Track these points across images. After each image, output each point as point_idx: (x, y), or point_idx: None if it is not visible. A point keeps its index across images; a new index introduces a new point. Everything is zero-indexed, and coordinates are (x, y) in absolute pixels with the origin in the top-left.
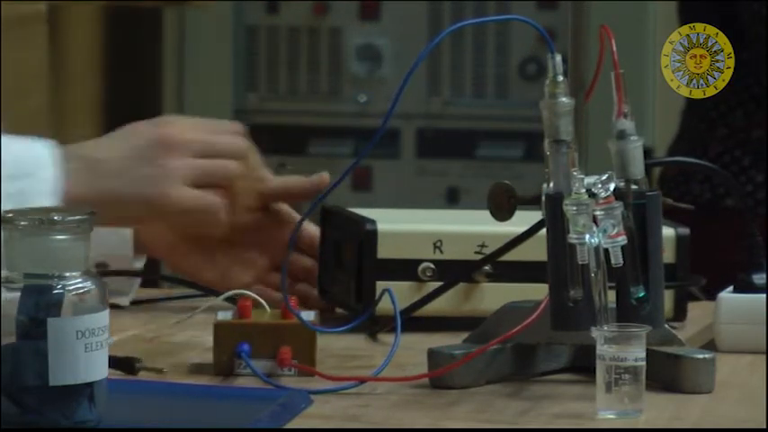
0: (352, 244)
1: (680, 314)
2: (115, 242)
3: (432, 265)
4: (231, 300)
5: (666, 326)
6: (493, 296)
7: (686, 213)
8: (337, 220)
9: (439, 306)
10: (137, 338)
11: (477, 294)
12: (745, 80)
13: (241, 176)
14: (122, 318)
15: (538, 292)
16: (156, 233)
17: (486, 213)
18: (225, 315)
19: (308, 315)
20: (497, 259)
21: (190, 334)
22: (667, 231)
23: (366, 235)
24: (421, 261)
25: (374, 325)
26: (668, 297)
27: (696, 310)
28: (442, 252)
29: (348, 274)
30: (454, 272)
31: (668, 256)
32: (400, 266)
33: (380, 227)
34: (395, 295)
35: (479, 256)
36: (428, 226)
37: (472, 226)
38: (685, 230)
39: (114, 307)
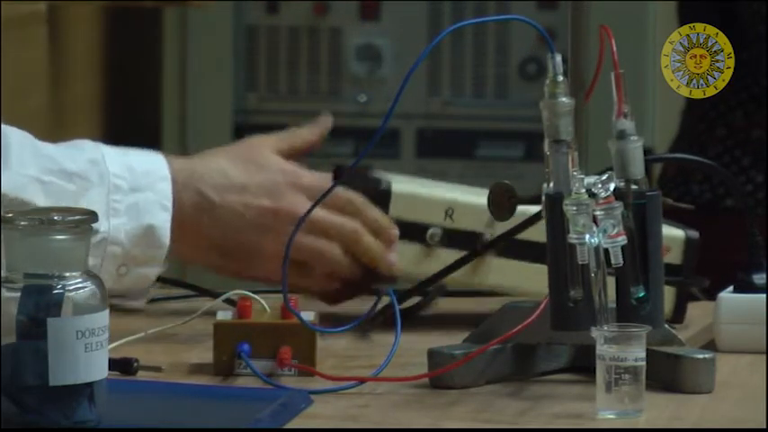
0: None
1: (679, 316)
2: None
3: (440, 232)
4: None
5: (666, 326)
6: (500, 271)
7: (686, 213)
8: (352, 178)
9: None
10: (137, 338)
11: (485, 268)
12: (744, 80)
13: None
14: (123, 318)
15: (544, 271)
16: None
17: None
18: (225, 315)
19: (308, 315)
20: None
21: (190, 334)
22: (677, 233)
23: (380, 193)
24: (430, 226)
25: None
26: (669, 298)
27: (696, 310)
28: (452, 220)
29: None
30: (461, 241)
31: (675, 257)
32: (409, 228)
33: (395, 186)
34: (395, 296)
35: (489, 230)
36: (442, 192)
37: (485, 198)
38: (695, 233)
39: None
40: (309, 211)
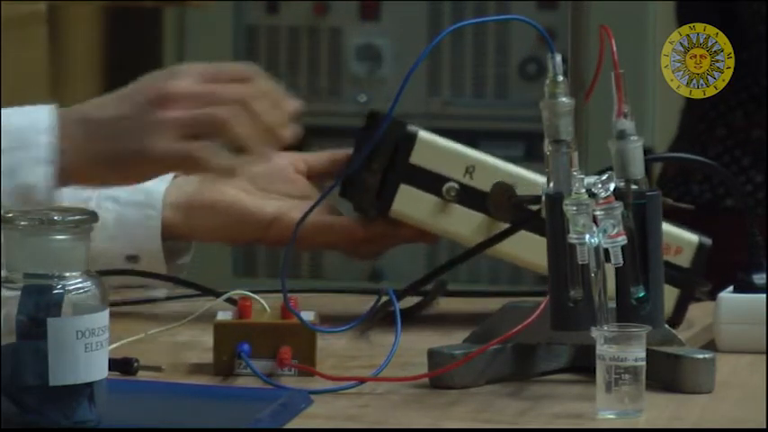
0: (388, 145)
1: (678, 317)
2: (143, 235)
3: (457, 187)
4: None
5: (666, 326)
6: (515, 240)
7: (686, 213)
8: (379, 119)
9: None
10: (137, 339)
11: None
12: (744, 80)
13: (243, 118)
14: (123, 318)
15: None
16: (199, 221)
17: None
18: (225, 315)
19: (308, 315)
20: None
21: (190, 334)
22: (691, 237)
23: (406, 135)
24: (449, 180)
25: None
26: (670, 298)
27: (696, 310)
28: (471, 178)
29: (375, 173)
30: (477, 201)
31: (684, 259)
32: (428, 178)
33: (421, 133)
34: (394, 296)
35: (519, 202)
36: (466, 149)
37: (509, 164)
38: (708, 240)
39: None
40: (310, 210)
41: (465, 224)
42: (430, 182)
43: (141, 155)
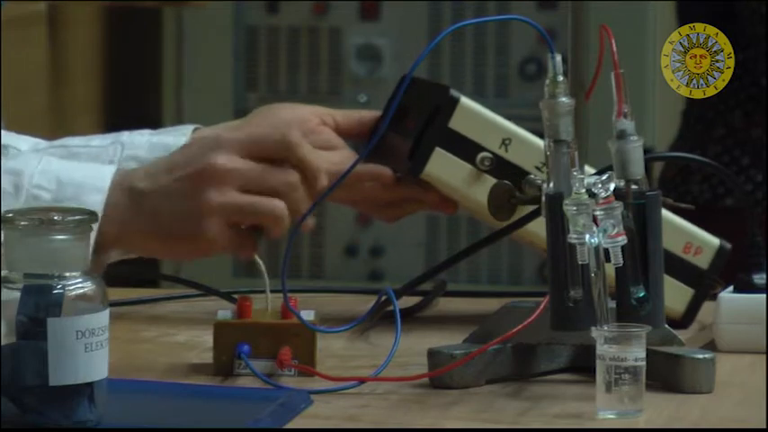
0: (427, 107)
1: (687, 320)
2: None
3: (492, 157)
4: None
5: (666, 326)
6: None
7: (686, 213)
8: (418, 86)
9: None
10: (136, 338)
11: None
12: (743, 80)
13: (292, 210)
14: (122, 318)
15: None
16: None
17: None
18: (225, 314)
19: (308, 315)
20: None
21: (190, 334)
22: (712, 240)
23: (448, 99)
24: (484, 149)
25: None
26: (683, 299)
27: None
28: (507, 150)
29: (409, 134)
30: (509, 174)
31: (703, 261)
32: (464, 145)
33: (464, 100)
34: (394, 295)
35: (537, 171)
36: (505, 121)
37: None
38: (728, 245)
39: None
40: (310, 210)
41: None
42: (465, 149)
43: (191, 235)
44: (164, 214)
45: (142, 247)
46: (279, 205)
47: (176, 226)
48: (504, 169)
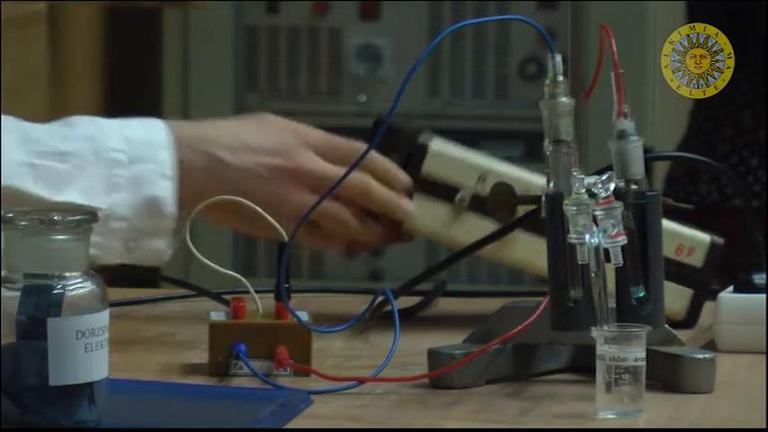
0: (400, 154)
1: (691, 321)
2: None
3: (470, 196)
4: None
5: (666, 326)
6: (525, 248)
7: (693, 213)
8: (390, 130)
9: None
10: (136, 338)
11: (510, 242)
12: (752, 80)
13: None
14: (122, 318)
15: None
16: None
17: (539, 167)
18: (218, 315)
19: (302, 315)
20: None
21: (190, 334)
22: (702, 237)
23: (417, 147)
24: (462, 189)
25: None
26: (685, 298)
27: None
28: (484, 187)
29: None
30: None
31: (697, 259)
32: (440, 188)
33: (433, 143)
34: (392, 295)
35: (519, 203)
36: (479, 158)
37: (521, 172)
38: (720, 240)
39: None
40: (311, 209)
41: (478, 233)
42: (443, 192)
43: (270, 227)
44: (245, 190)
45: (218, 214)
46: (345, 214)
47: (257, 208)
48: (484, 205)
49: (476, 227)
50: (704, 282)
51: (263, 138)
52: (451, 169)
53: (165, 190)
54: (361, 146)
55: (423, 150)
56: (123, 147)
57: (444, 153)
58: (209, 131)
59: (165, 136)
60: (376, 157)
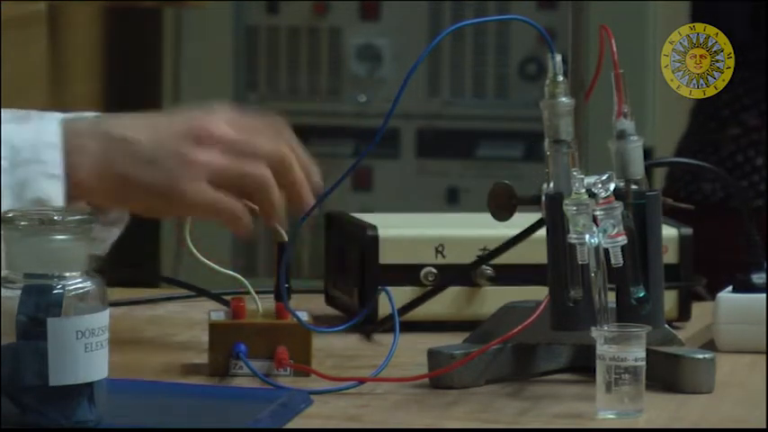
0: (354, 250)
1: (684, 314)
2: None
3: (434, 270)
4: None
5: (666, 326)
6: (494, 300)
7: (694, 213)
8: (340, 225)
9: (440, 310)
10: (136, 338)
11: (479, 299)
12: (757, 80)
13: (278, 184)
14: (122, 318)
15: (539, 294)
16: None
17: (487, 216)
18: (218, 315)
19: (302, 315)
20: (497, 261)
21: (190, 334)
22: (670, 231)
23: (368, 241)
24: (423, 266)
25: (369, 324)
26: (672, 297)
27: (696, 309)
28: (444, 256)
29: (351, 280)
30: (455, 276)
31: (671, 256)
32: (402, 271)
33: (381, 232)
34: (392, 295)
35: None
36: (429, 231)
37: (474, 230)
38: (688, 230)
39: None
40: (311, 210)
41: (449, 302)
42: (406, 275)
43: (170, 190)
44: (148, 167)
45: (117, 197)
46: (266, 174)
47: (155, 181)
48: (449, 273)
49: (447, 297)
50: (685, 277)
51: (168, 117)
52: (407, 251)
53: (50, 189)
54: (281, 124)
55: (374, 242)
56: (6, 154)
57: (396, 238)
58: (110, 119)
59: (55, 134)
60: (300, 148)
